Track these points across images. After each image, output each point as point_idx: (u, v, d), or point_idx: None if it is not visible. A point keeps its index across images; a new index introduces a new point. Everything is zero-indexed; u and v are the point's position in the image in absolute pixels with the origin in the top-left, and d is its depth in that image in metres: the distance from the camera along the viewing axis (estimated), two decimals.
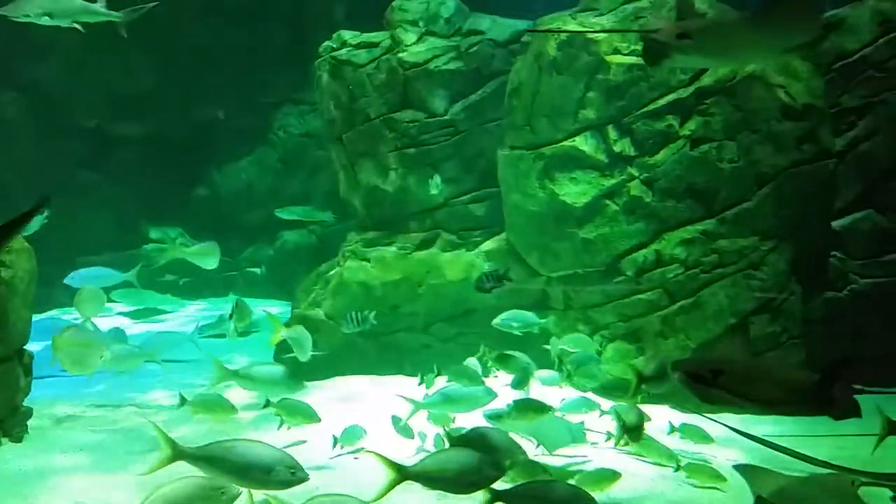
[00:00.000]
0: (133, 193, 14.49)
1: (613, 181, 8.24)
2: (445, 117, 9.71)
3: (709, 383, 3.75)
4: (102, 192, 14.59)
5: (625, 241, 8.26)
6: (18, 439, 7.13)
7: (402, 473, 4.56)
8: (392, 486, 4.57)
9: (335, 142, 10.46)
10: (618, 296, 8.35)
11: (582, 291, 8.58)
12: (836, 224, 8.73)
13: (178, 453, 4.46)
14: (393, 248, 9.75)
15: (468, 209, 9.77)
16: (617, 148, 8.20)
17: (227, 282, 14.68)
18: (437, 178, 9.21)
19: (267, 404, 6.81)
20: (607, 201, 8.29)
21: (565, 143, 8.37)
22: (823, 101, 8.43)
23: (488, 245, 9.47)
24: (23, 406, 7.32)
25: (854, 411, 3.77)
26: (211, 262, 9.13)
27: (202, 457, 4.42)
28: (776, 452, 6.17)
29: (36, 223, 10.87)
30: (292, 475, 4.43)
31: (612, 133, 8.21)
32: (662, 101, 8.08)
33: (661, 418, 7.58)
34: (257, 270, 14.57)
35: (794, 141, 8.22)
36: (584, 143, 8.30)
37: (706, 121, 8.02)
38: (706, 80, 8.06)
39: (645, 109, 8.12)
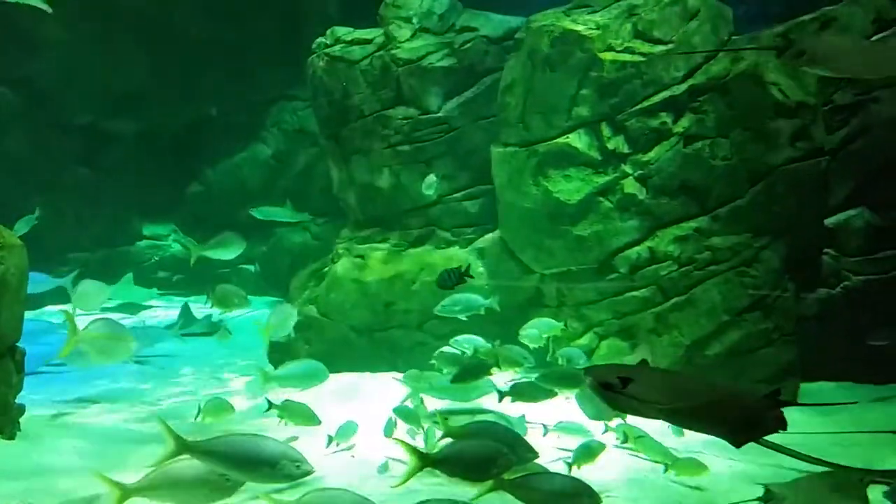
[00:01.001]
0: (126, 190, 14.45)
1: (607, 178, 8.25)
2: (439, 114, 9.70)
3: (617, 391, 3.70)
4: (95, 189, 14.55)
5: (618, 238, 8.27)
6: (11, 437, 7.08)
7: (424, 460, 4.67)
8: (414, 472, 4.69)
9: (329, 138, 10.44)
10: (611, 293, 8.37)
11: (575, 288, 8.60)
12: (829, 221, 8.75)
13: (184, 447, 4.45)
14: (387, 246, 9.75)
15: (462, 206, 9.76)
16: (610, 145, 8.21)
17: (221, 279, 14.63)
18: (433, 177, 9.16)
19: (269, 407, 6.77)
20: (601, 198, 8.30)
21: (559, 140, 8.37)
22: (816, 99, 8.45)
23: (482, 242, 9.47)
24: (15, 403, 7.28)
25: (780, 426, 3.73)
26: (233, 252, 9.15)
27: (207, 451, 4.42)
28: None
29: (26, 224, 10.86)
30: (297, 468, 4.45)
31: (606, 130, 8.22)
32: (656, 99, 8.09)
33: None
34: (251, 267, 14.54)
35: (787, 138, 8.25)
36: (577, 141, 8.30)
37: (699, 118, 8.03)
38: (699, 78, 8.08)
39: (638, 107, 8.12)
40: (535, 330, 8.06)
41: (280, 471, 4.40)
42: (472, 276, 6.97)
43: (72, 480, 6.21)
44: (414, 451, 4.72)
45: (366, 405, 7.80)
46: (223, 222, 13.65)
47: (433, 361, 7.94)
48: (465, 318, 8.13)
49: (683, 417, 3.90)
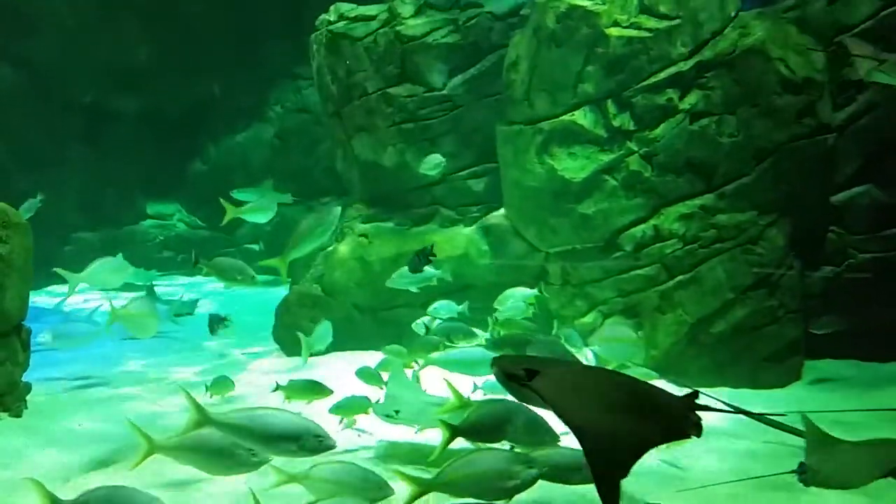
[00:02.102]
0: (129, 169, 14.45)
1: (612, 156, 8.20)
2: (444, 92, 9.64)
3: (522, 383, 3.54)
4: (98, 168, 14.54)
5: (623, 216, 8.25)
6: (18, 414, 7.14)
7: (455, 431, 4.75)
8: (447, 443, 4.78)
9: (332, 117, 10.39)
10: (616, 271, 8.35)
11: (580, 267, 8.58)
12: (834, 199, 8.71)
13: (206, 419, 4.46)
14: (391, 224, 9.74)
15: (466, 185, 9.73)
16: (616, 122, 8.15)
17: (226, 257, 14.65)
18: (438, 157, 9.08)
19: (276, 388, 6.79)
20: (606, 176, 8.26)
21: (564, 117, 8.33)
22: (823, 75, 8.38)
23: (487, 221, 9.45)
24: (21, 381, 7.33)
25: (696, 431, 3.53)
26: (266, 216, 9.19)
27: (229, 424, 4.43)
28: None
29: (30, 209, 10.87)
30: (319, 443, 4.46)
31: (612, 107, 8.16)
32: (662, 75, 8.02)
33: None
34: (255, 247, 14.55)
35: (793, 115, 8.18)
36: (582, 118, 8.25)
37: (706, 94, 7.97)
38: (707, 54, 8.00)
39: (644, 83, 8.06)
40: (514, 301, 8.09)
41: (303, 445, 4.41)
42: (434, 255, 6.97)
43: (76, 457, 6.27)
44: (444, 423, 4.81)
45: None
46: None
47: (421, 333, 7.97)
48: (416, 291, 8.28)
49: (587, 419, 3.56)
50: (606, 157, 8.22)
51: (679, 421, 3.54)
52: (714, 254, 8.05)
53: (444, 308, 8.33)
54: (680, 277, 8.12)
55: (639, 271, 8.24)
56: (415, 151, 9.63)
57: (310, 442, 4.42)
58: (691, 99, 8.00)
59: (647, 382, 3.76)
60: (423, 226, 9.68)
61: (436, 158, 9.07)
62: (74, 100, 14.57)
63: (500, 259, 9.27)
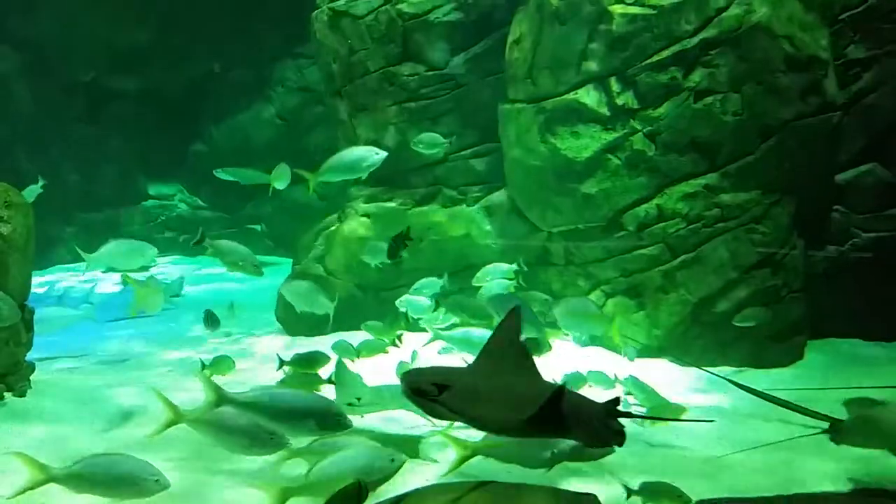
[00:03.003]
0: (130, 149, 14.40)
1: (616, 135, 8.14)
2: (446, 70, 9.57)
3: (431, 398, 3.45)
4: (99, 148, 14.50)
5: (626, 195, 8.20)
6: (21, 394, 7.16)
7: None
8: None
9: (334, 96, 10.33)
10: (619, 251, 8.33)
11: (583, 247, 8.56)
12: (839, 178, 8.67)
13: (223, 398, 4.47)
14: (393, 204, 9.71)
15: (469, 164, 9.68)
16: (619, 101, 8.08)
17: (227, 238, 14.64)
18: (434, 135, 8.98)
19: (281, 364, 6.75)
20: (609, 155, 8.21)
21: (567, 95, 8.26)
22: (829, 53, 8.31)
23: (489, 200, 9.43)
24: (25, 361, 7.34)
25: (618, 440, 3.51)
26: (283, 182, 9.16)
27: (248, 403, 4.44)
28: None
29: (31, 194, 10.85)
30: (338, 423, 4.49)
31: (615, 85, 8.09)
32: (666, 53, 7.93)
33: (652, 370, 7.65)
34: (258, 227, 14.54)
35: (798, 93, 8.11)
36: (586, 96, 8.18)
37: (710, 72, 7.89)
38: (711, 31, 7.90)
39: (648, 61, 7.97)
40: (492, 277, 8.17)
41: (322, 424, 4.44)
42: (412, 239, 6.96)
43: (83, 438, 6.29)
44: None
45: (373, 362, 7.80)
46: (228, 182, 13.63)
47: (403, 310, 8.11)
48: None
49: (508, 431, 3.57)
50: (610, 136, 8.16)
51: (600, 429, 3.46)
52: (717, 233, 8.02)
53: (427, 286, 8.37)
54: (683, 257, 8.10)
55: (642, 251, 8.22)
56: (417, 131, 9.53)
57: (329, 420, 4.44)
58: (696, 77, 7.93)
59: (566, 387, 3.63)
60: (425, 205, 9.65)
61: (431, 136, 8.96)
62: (75, 79, 14.51)
63: (503, 239, 9.25)
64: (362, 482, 3.75)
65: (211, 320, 8.58)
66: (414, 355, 7.38)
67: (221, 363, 7.40)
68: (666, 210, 8.09)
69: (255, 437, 4.48)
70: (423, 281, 8.42)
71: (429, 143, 8.95)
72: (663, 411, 6.07)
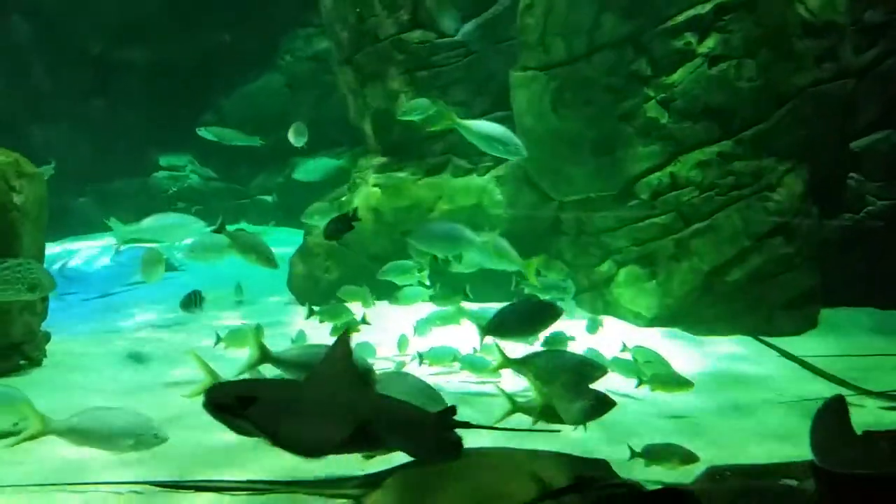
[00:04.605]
0: (141, 120, 14.37)
1: (629, 102, 8.07)
2: (456, 38, 9.47)
3: (234, 413, 3.11)
4: (110, 119, 14.48)
5: (639, 163, 8.15)
6: (38, 363, 7.24)
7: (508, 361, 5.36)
8: (500, 368, 5.57)
9: (343, 64, 10.26)
10: (631, 220, 8.29)
11: (595, 216, 8.52)
12: (854, 145, 8.59)
13: (267, 357, 4.58)
14: (403, 174, 9.66)
15: None
16: (633, 67, 7.99)
17: (239, 209, 14.68)
18: (423, 100, 8.76)
19: (310, 314, 7.06)
20: (622, 123, 8.13)
21: (580, 62, 8.17)
22: (845, 18, 8.19)
23: (500, 170, 9.36)
24: (41, 330, 7.41)
25: (453, 450, 3.31)
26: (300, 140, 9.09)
27: (290, 361, 4.55)
28: None
29: (44, 174, 10.85)
30: (369, 377, 4.55)
31: (629, 52, 7.99)
32: (681, 18, 7.83)
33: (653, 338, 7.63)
34: (268, 198, 14.54)
35: (813, 59, 8.03)
36: (599, 63, 8.09)
37: (725, 38, 7.79)
38: None
39: (662, 27, 7.88)
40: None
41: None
42: (359, 220, 6.92)
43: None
44: (502, 353, 5.32)
45: (383, 332, 7.82)
46: (238, 152, 13.62)
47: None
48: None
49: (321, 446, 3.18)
50: (623, 104, 8.08)
51: (432, 442, 3.26)
52: (731, 201, 7.97)
53: (465, 263, 8.20)
54: (696, 225, 8.06)
55: (654, 220, 8.18)
56: (428, 99, 9.49)
57: (366, 377, 4.48)
58: (710, 43, 7.83)
59: (394, 399, 3.53)
60: (436, 175, 9.60)
61: (419, 102, 8.75)
62: (84, 51, 14.46)
63: (514, 209, 9.21)
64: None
65: (190, 302, 7.98)
66: (422, 326, 7.38)
67: (237, 335, 7.33)
68: (679, 178, 8.04)
69: None
70: (394, 264, 8.23)
71: (413, 108, 8.67)
72: (672, 382, 6.09)
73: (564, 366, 5.19)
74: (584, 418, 4.67)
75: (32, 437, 4.36)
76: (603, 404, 4.71)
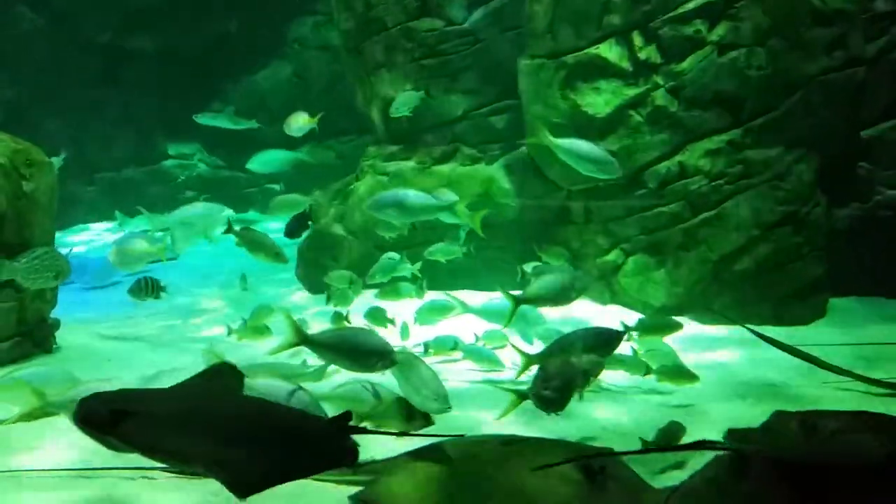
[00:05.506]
0: (149, 109, 14.40)
1: (638, 90, 8.03)
2: (465, 26, 9.44)
3: (106, 429, 2.92)
4: (118, 108, 14.51)
5: (648, 152, 8.12)
6: (48, 350, 7.29)
7: (517, 300, 5.79)
8: (514, 311, 5.87)
9: (351, 53, 10.24)
10: (639, 208, 8.28)
11: (603, 205, 8.50)
12: (864, 133, 8.54)
13: (303, 339, 4.69)
14: (411, 163, 9.66)
15: (488, 122, 9.59)
16: (642, 55, 7.96)
17: (246, 198, 14.71)
18: (412, 93, 8.79)
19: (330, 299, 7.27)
20: (631, 111, 8.10)
21: (589, 50, 8.12)
22: (855, 6, 8.14)
23: (508, 158, 9.35)
24: (51, 318, 7.46)
25: (349, 458, 3.19)
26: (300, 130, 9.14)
27: (324, 342, 4.69)
28: None
29: (56, 164, 10.90)
30: (393, 360, 4.72)
31: (638, 39, 7.96)
32: (691, 5, 7.79)
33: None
34: (276, 187, 14.55)
35: (824, 47, 7.98)
36: (608, 51, 8.05)
37: (735, 26, 7.75)
38: None
39: (672, 14, 7.84)
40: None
41: (383, 363, 4.66)
42: (312, 220, 6.96)
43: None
44: (508, 294, 5.70)
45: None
46: (246, 141, 13.64)
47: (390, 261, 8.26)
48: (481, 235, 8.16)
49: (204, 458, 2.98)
50: (632, 92, 8.04)
51: (328, 450, 3.13)
52: (740, 190, 7.95)
53: (439, 250, 8.45)
54: (704, 214, 8.04)
55: (662, 208, 8.15)
56: (436, 88, 9.49)
57: (386, 358, 4.67)
58: (720, 30, 7.78)
59: (286, 408, 3.41)
60: (443, 164, 9.60)
61: (405, 97, 8.79)
62: (92, 40, 14.48)
63: (522, 197, 9.20)
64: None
65: (141, 289, 7.59)
66: (422, 315, 7.41)
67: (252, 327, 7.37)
68: (688, 167, 8.01)
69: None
70: (377, 266, 8.39)
71: (402, 102, 8.75)
72: (677, 374, 6.09)
73: (586, 339, 5.24)
74: None
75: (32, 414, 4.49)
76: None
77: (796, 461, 2.98)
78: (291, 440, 3.07)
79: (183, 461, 3.14)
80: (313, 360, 5.61)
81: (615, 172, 6.71)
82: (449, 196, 6.86)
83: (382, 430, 3.89)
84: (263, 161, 10.42)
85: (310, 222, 6.75)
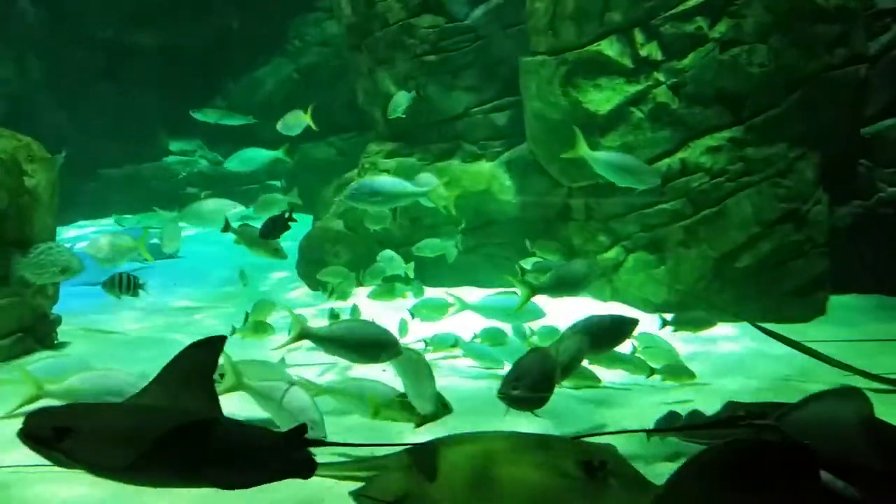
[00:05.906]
0: (150, 105, 14.40)
1: (639, 87, 8.03)
2: (466, 22, 9.44)
3: (51, 446, 2.91)
4: (119, 104, 14.51)
5: (649, 149, 8.10)
6: (49, 346, 7.30)
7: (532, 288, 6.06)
8: (526, 300, 6.13)
9: (352, 50, 10.24)
10: (640, 206, 8.27)
11: (603, 202, 8.50)
12: (865, 131, 8.53)
13: (306, 333, 4.73)
14: (413, 160, 9.65)
15: (489, 119, 9.59)
16: (643, 52, 7.96)
17: (247, 195, 14.67)
18: (405, 94, 8.82)
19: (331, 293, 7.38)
20: (632, 108, 8.10)
21: (590, 47, 8.12)
22: (857, 3, 8.13)
23: (509, 155, 9.36)
24: (52, 314, 7.46)
25: (307, 469, 3.21)
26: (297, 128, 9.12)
27: (326, 336, 4.71)
28: None
29: (57, 161, 10.89)
30: (396, 352, 4.74)
31: (639, 36, 7.95)
32: (692, 2, 7.78)
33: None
34: (277, 183, 14.56)
35: (826, 44, 7.98)
36: (609, 48, 8.05)
37: (737, 23, 7.74)
38: None
39: (673, 11, 7.84)
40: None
41: (388, 354, 4.69)
42: (295, 220, 6.97)
43: None
44: (521, 281, 5.80)
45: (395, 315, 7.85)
46: (247, 137, 13.62)
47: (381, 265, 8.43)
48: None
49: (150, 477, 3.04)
50: (633, 89, 8.04)
51: (279, 462, 3.15)
52: (741, 187, 7.95)
53: (427, 246, 8.54)
54: (705, 212, 8.04)
55: (663, 206, 8.15)
56: (437, 85, 9.49)
57: (390, 350, 4.70)
58: (721, 27, 7.78)
59: (236, 422, 3.38)
60: (445, 160, 9.60)
61: (399, 98, 8.80)
62: (94, 36, 14.47)
63: (523, 194, 9.20)
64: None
65: (115, 285, 7.49)
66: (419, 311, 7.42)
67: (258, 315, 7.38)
68: (689, 164, 8.01)
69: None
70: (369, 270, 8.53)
71: (398, 104, 8.76)
72: (677, 372, 6.10)
73: (601, 324, 5.27)
74: None
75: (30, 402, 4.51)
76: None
77: None
78: (238, 454, 3.10)
79: (127, 478, 3.15)
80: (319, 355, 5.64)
81: (655, 182, 6.72)
82: (430, 180, 6.85)
83: (340, 441, 4.06)
84: (241, 160, 10.52)
85: (290, 223, 6.74)
